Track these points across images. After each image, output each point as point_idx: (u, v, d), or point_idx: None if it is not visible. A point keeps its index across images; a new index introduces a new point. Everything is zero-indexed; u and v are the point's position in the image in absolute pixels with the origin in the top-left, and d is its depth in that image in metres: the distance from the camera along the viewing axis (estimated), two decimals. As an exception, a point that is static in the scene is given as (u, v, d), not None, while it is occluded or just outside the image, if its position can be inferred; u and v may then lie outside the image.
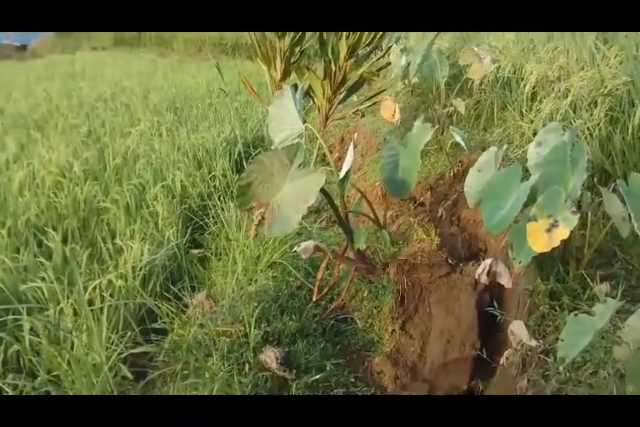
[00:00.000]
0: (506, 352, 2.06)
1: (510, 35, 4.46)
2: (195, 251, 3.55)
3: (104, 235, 3.34)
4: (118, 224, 3.52)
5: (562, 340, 1.52)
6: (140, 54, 15.27)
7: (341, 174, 2.63)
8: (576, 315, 1.54)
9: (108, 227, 3.53)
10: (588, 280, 1.93)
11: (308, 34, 5.07)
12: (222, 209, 3.70)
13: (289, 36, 4.89)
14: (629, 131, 2.54)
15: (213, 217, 3.74)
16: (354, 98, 5.48)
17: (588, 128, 2.78)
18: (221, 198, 3.91)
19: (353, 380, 2.49)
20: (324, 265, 2.87)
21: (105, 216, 3.64)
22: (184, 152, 4.83)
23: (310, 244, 2.72)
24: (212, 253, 3.49)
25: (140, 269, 2.92)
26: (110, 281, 2.75)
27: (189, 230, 3.64)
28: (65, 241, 3.26)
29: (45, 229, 3.37)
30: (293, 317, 2.69)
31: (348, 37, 4.63)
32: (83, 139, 5.28)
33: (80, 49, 17.38)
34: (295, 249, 2.75)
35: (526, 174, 2.23)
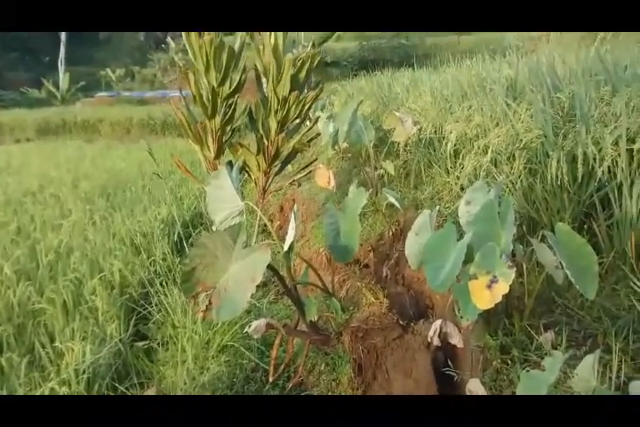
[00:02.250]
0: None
1: (427, 96, 4.75)
2: (140, 344, 3.39)
3: (42, 339, 3.15)
4: (56, 325, 3.34)
5: (519, 398, 1.53)
6: (67, 142, 15.14)
7: (285, 247, 2.63)
8: (528, 371, 1.55)
9: (46, 329, 3.34)
10: (532, 332, 1.97)
11: (238, 111, 5.19)
12: (165, 295, 3.60)
13: (219, 115, 4.99)
14: (548, 180, 2.69)
15: (157, 305, 3.63)
16: (289, 168, 5.59)
17: (510, 181, 2.93)
18: (164, 284, 3.81)
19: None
20: (277, 342, 2.80)
21: (41, 318, 3.46)
22: (120, 239, 4.73)
23: (261, 322, 2.66)
24: (158, 344, 3.35)
25: (84, 371, 2.76)
26: (53, 389, 2.58)
27: (132, 322, 3.50)
28: (1, 350, 3.05)
29: (-22, 340, 3.16)
30: (252, 402, 2.58)
31: (277, 112, 4.78)
32: (12, 237, 5.08)
33: (3, 143, 17.06)
34: (246, 330, 2.68)
35: (460, 229, 2.31)
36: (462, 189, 3.39)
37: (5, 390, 2.58)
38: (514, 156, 3.02)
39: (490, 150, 3.11)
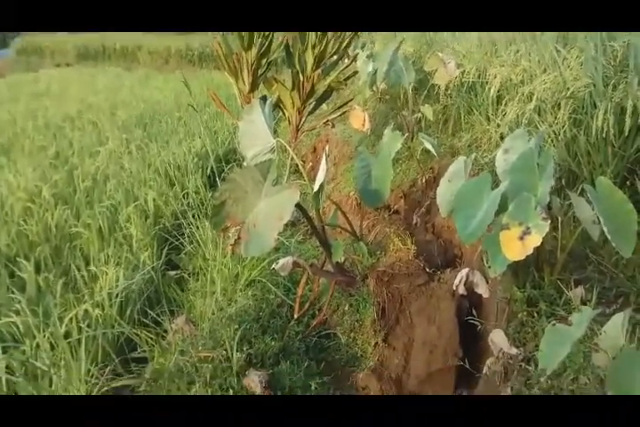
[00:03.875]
0: (488, 361, 2.06)
1: (473, 38, 4.52)
2: (172, 273, 3.50)
3: (78, 262, 3.27)
4: (92, 249, 3.45)
5: (541, 351, 1.53)
6: (106, 69, 15.08)
7: (315, 188, 2.62)
8: (554, 325, 1.55)
9: (82, 253, 3.47)
10: (562, 286, 1.95)
11: (275, 44, 5.05)
12: (197, 228, 3.66)
13: (255, 47, 4.87)
14: (593, 132, 2.58)
15: (189, 236, 3.70)
16: (323, 107, 5.48)
17: (553, 131, 2.81)
18: (196, 216, 3.87)
19: (339, 398, 2.48)
20: (303, 281, 2.85)
21: (78, 242, 3.57)
22: (155, 170, 4.78)
23: (289, 260, 2.70)
24: (189, 275, 3.45)
25: (117, 295, 2.86)
26: (87, 311, 2.70)
27: (165, 252, 3.59)
28: (38, 271, 3.19)
29: (17, 258, 3.29)
30: (275, 336, 2.67)
31: (314, 47, 4.64)
32: (51, 161, 5.18)
33: (43, 66, 17.09)
34: (273, 266, 2.73)
35: (495, 179, 2.25)
36: (502, 137, 3.27)
37: (41, 308, 2.71)
38: (559, 105, 2.88)
39: (534, 98, 2.98)
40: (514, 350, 1.89)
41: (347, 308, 2.92)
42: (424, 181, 3.61)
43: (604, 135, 2.54)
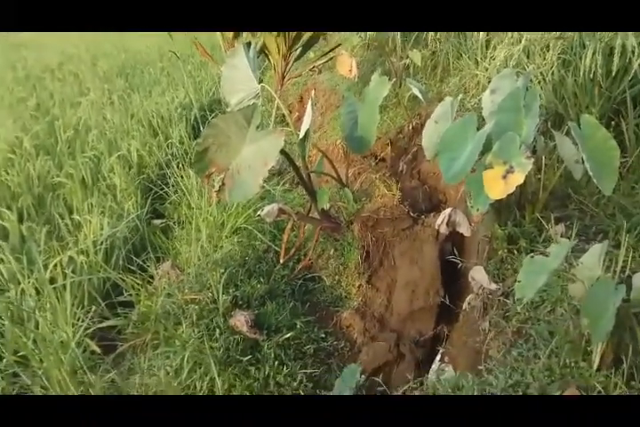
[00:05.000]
0: (468, 297, 2.10)
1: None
2: (157, 221, 3.50)
3: (61, 211, 3.26)
4: (75, 199, 3.43)
5: (519, 281, 1.55)
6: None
7: (301, 135, 2.58)
8: (532, 257, 1.57)
9: (65, 202, 3.44)
10: (544, 223, 1.96)
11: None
12: (182, 177, 3.63)
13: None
14: (581, 73, 2.54)
15: (173, 186, 3.68)
16: (310, 54, 5.34)
17: (541, 73, 2.77)
18: (180, 166, 3.83)
19: (323, 335, 2.55)
20: (289, 227, 2.85)
21: (60, 191, 3.55)
22: (138, 120, 4.70)
23: (274, 207, 2.70)
24: (174, 223, 3.44)
25: (102, 243, 2.87)
26: (71, 257, 2.70)
27: (149, 201, 3.58)
28: (21, 220, 3.17)
29: (-1, 208, 3.27)
30: (261, 280, 2.70)
31: (299, -9, 4.48)
32: (31, 112, 5.07)
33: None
34: (259, 213, 2.72)
35: (482, 123, 2.22)
36: (490, 81, 3.22)
37: (25, 256, 2.70)
38: (548, 46, 2.83)
39: (523, 39, 2.91)
40: (493, 286, 1.92)
41: (332, 252, 2.94)
42: (411, 127, 3.57)
43: (591, 76, 2.50)
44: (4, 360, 2.19)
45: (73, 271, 2.62)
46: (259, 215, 2.76)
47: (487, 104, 2.28)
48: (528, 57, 2.94)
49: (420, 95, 3.17)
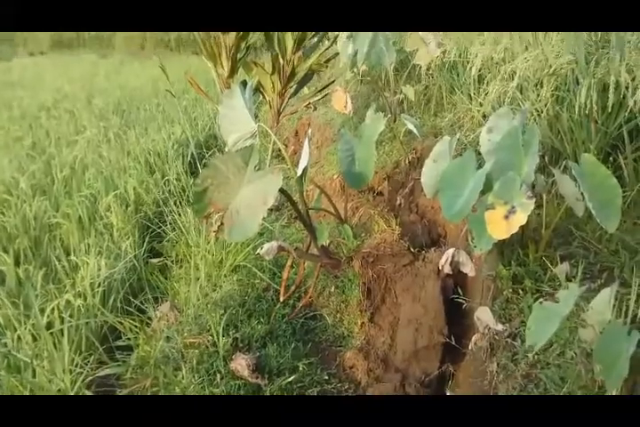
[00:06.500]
0: (474, 337, 2.07)
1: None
2: (154, 260, 3.46)
3: (58, 252, 3.22)
4: (72, 239, 3.39)
5: (529, 328, 1.53)
6: (81, 56, 14.78)
7: (299, 172, 2.59)
8: (541, 303, 1.55)
9: (62, 243, 3.40)
10: (547, 262, 1.95)
11: (253, 28, 4.96)
12: (179, 214, 3.62)
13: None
14: (576, 109, 2.56)
15: (171, 223, 3.66)
16: (305, 90, 5.41)
17: (535, 109, 2.80)
18: (177, 203, 3.82)
19: (327, 377, 2.49)
20: (289, 264, 2.83)
21: (57, 232, 3.51)
22: (134, 157, 4.71)
23: (273, 245, 2.68)
24: (172, 262, 3.41)
25: (99, 285, 2.82)
26: (69, 301, 2.65)
27: (147, 239, 3.55)
28: (17, 263, 3.12)
29: (-5, 251, 3.22)
30: (262, 320, 2.66)
31: (293, 30, 4.56)
32: (27, 152, 5.07)
33: (17, 55, 16.69)
34: (258, 251, 2.70)
35: (479, 158, 2.23)
36: (484, 116, 3.26)
37: (21, 300, 2.66)
38: (542, 82, 2.86)
39: (517, 76, 2.95)
40: (500, 327, 1.89)
41: (332, 289, 2.92)
42: (407, 162, 3.59)
43: (587, 112, 2.52)
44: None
45: (70, 315, 2.56)
46: (258, 253, 2.74)
47: (485, 142, 2.28)
48: (522, 93, 2.98)
49: (415, 130, 3.20)
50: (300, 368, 2.43)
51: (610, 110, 2.48)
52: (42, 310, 2.53)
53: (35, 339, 2.45)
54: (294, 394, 2.32)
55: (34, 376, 2.23)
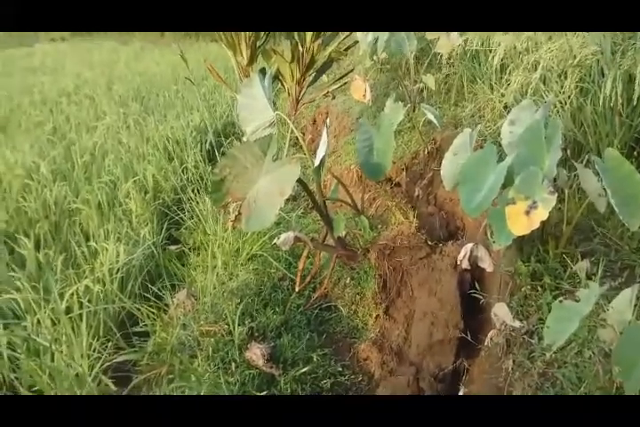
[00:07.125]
0: (490, 333, 2.05)
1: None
2: (172, 247, 3.49)
3: (77, 238, 3.25)
4: (91, 225, 3.43)
5: (548, 327, 1.51)
6: (101, 43, 14.83)
7: (316, 162, 2.57)
8: (561, 301, 1.52)
9: (81, 229, 3.44)
10: (567, 259, 1.92)
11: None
12: (197, 202, 3.63)
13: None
14: (600, 101, 2.50)
15: (189, 211, 3.68)
16: (324, 78, 5.38)
17: (559, 101, 2.74)
18: (195, 191, 3.84)
19: (340, 369, 2.50)
20: (305, 255, 2.83)
21: (77, 217, 3.55)
22: (153, 144, 4.72)
23: (290, 235, 2.67)
24: (190, 249, 3.43)
25: (117, 271, 2.85)
26: (87, 286, 2.69)
27: (165, 226, 3.57)
28: (37, 247, 3.17)
29: (16, 235, 3.27)
30: (277, 309, 2.67)
31: (312, 17, 4.52)
32: (48, 137, 5.12)
33: (38, 41, 16.79)
34: (275, 241, 2.71)
35: (500, 150, 2.20)
36: (506, 107, 3.20)
37: (41, 284, 2.70)
38: (565, 73, 2.80)
39: (540, 66, 2.89)
40: (517, 323, 1.88)
41: (348, 281, 2.91)
42: (426, 152, 3.55)
43: (611, 104, 2.47)
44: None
45: (89, 301, 2.60)
46: (274, 243, 2.74)
47: (506, 135, 2.24)
48: (545, 84, 2.92)
49: (434, 120, 3.15)
50: (314, 359, 2.44)
51: (635, 103, 2.42)
52: (61, 295, 2.56)
53: (54, 323, 2.49)
54: (308, 385, 2.33)
55: (52, 360, 2.27)
